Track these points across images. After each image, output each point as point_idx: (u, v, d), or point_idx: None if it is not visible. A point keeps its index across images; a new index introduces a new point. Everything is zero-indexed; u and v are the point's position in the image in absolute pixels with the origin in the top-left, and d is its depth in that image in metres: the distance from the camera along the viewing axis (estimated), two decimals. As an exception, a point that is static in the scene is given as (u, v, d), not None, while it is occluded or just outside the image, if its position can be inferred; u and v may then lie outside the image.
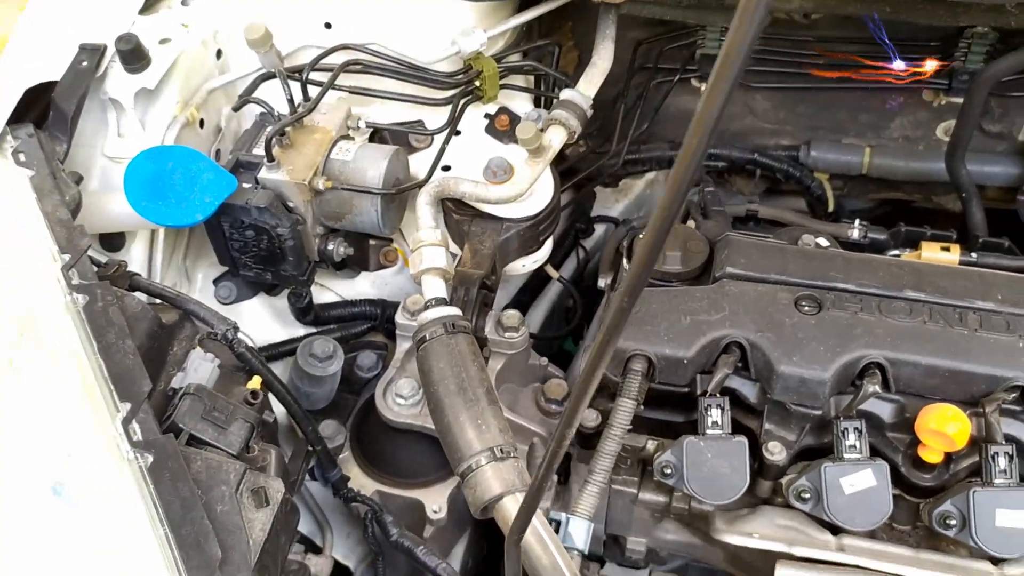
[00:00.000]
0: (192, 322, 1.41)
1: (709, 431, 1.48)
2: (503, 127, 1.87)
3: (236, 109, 1.70)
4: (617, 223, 2.33)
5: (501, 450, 1.35)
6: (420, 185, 1.68)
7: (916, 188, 2.45)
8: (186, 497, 1.13)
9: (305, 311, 1.79)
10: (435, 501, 1.66)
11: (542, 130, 1.71)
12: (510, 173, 1.81)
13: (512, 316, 1.70)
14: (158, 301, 1.42)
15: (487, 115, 1.87)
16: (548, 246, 1.93)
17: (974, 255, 1.84)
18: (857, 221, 1.98)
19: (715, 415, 1.48)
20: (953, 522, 1.41)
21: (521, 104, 1.91)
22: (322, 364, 1.68)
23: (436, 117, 1.84)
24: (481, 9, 1.79)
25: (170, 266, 1.76)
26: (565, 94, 1.73)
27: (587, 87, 1.78)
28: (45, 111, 1.55)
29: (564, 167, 2.33)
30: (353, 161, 1.67)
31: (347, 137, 1.72)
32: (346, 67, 1.70)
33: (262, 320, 1.85)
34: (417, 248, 1.56)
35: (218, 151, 1.83)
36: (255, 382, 1.34)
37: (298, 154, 1.64)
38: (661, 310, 1.55)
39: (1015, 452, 1.40)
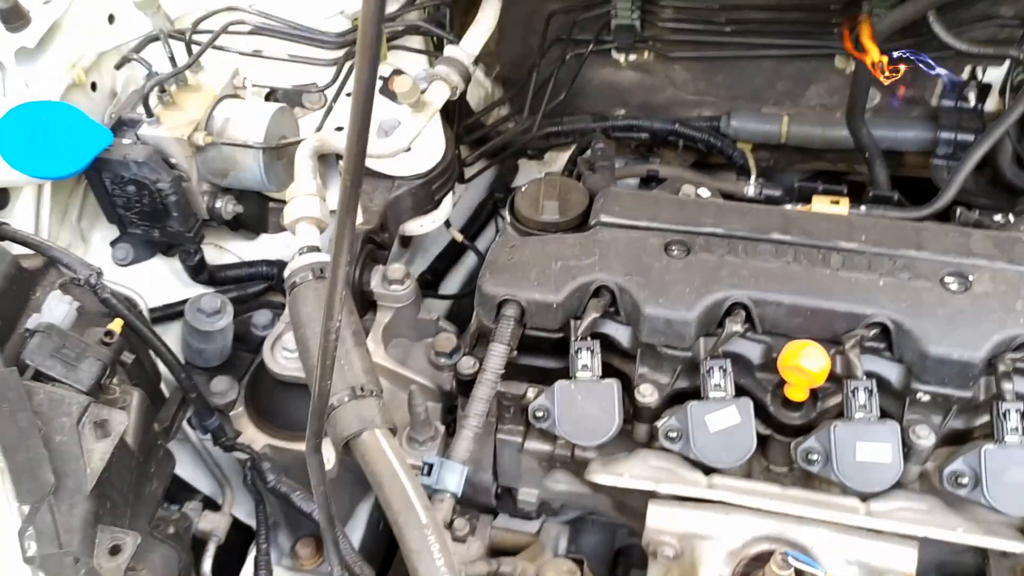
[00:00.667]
0: (58, 269, 1.42)
1: (579, 374, 1.49)
2: (394, 88, 1.88)
3: (118, 67, 1.72)
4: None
5: (362, 388, 1.36)
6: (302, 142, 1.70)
7: (839, 157, 2.46)
8: (23, 427, 1.15)
9: (197, 269, 1.80)
10: (325, 453, 1.67)
11: (425, 89, 1.73)
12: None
13: (397, 269, 1.71)
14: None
15: (380, 77, 1.89)
16: (447, 205, 1.94)
17: (863, 208, 1.86)
18: (753, 177, 1.99)
19: (585, 358, 1.50)
20: (815, 457, 1.42)
21: (416, 66, 1.93)
22: (210, 319, 1.69)
23: (328, 79, 1.87)
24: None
25: (63, 227, 1.77)
26: (448, 51, 1.75)
27: (470, 44, 1.80)
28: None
29: (478, 135, 2.35)
30: (235, 118, 1.68)
31: (235, 97, 1.74)
32: (229, 27, 1.72)
33: (161, 281, 1.86)
34: (292, 199, 1.58)
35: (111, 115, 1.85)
36: (115, 324, 1.35)
37: (181, 112, 1.66)
38: (533, 256, 1.57)
39: (875, 387, 1.42)
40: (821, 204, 1.85)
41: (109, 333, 1.33)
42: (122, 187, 1.64)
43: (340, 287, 0.84)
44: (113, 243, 1.85)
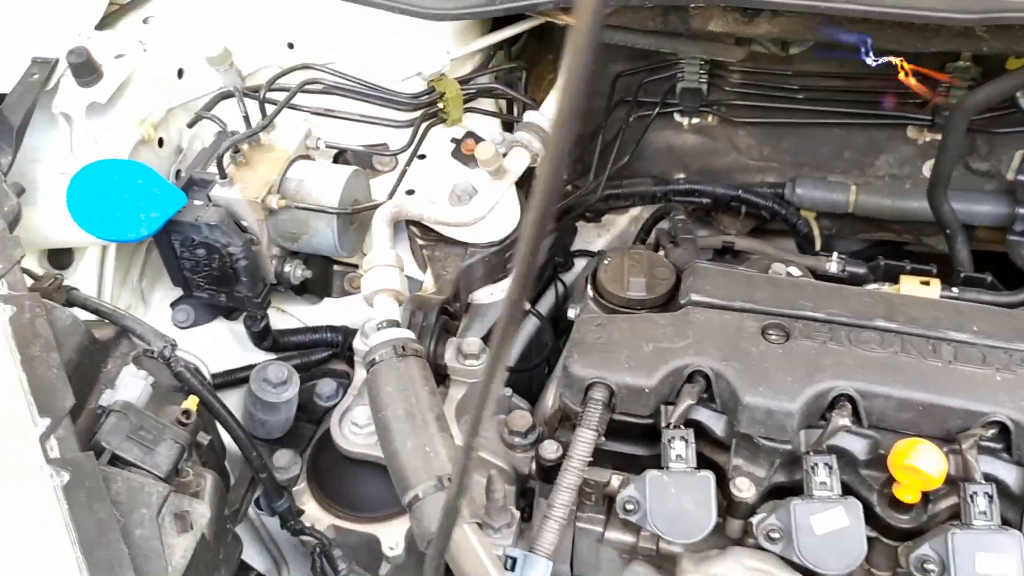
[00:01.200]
0: (130, 339, 1.35)
1: (673, 465, 1.41)
2: (469, 151, 1.82)
3: (190, 125, 1.66)
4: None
5: (449, 478, 1.28)
6: (379, 207, 1.63)
7: (905, 228, 2.39)
8: (102, 519, 1.06)
9: (262, 335, 1.72)
10: (392, 537, 1.58)
11: (504, 153, 1.66)
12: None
13: (473, 344, 1.63)
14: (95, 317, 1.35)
15: (454, 139, 1.83)
16: (516, 274, 1.87)
17: (955, 290, 1.78)
18: (835, 254, 1.92)
19: (679, 448, 1.41)
20: (932, 567, 1.32)
21: (490, 129, 1.86)
22: (276, 390, 1.61)
23: (401, 140, 1.81)
24: (448, 30, 1.76)
25: (124, 287, 1.70)
26: (528, 116, 1.69)
27: (550, 108, 1.73)
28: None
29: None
30: (309, 180, 1.62)
31: (306, 157, 1.67)
32: (305, 86, 1.66)
33: (221, 346, 1.78)
34: (370, 269, 1.50)
35: (178, 171, 1.79)
36: (190, 402, 1.27)
37: (253, 172, 1.59)
38: (622, 337, 1.49)
39: (995, 492, 1.33)
40: (910, 285, 1.77)
41: (186, 413, 1.24)
42: (191, 250, 1.56)
43: (494, 387, 0.76)
44: (173, 304, 1.78)
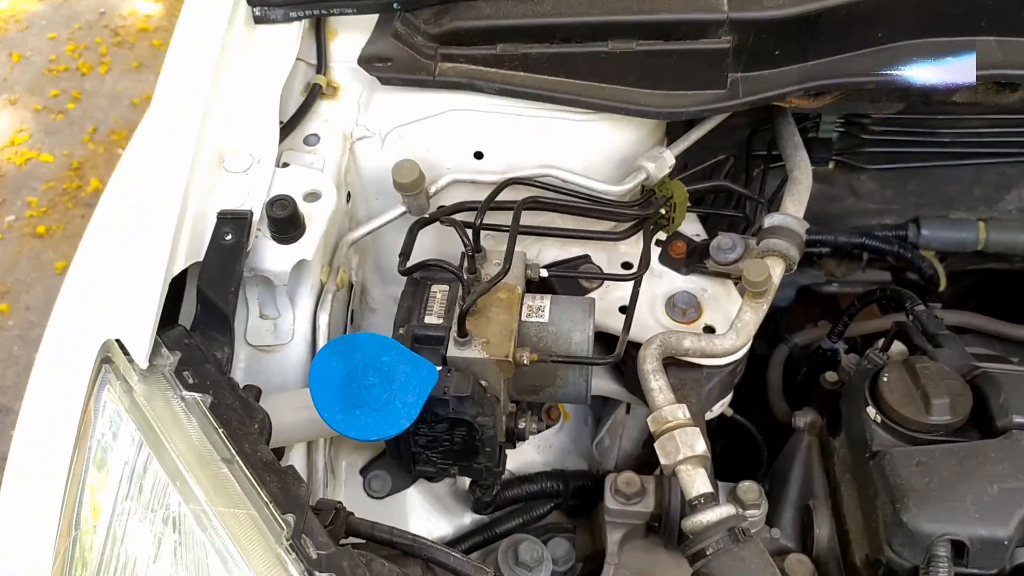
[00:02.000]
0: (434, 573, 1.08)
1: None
2: (678, 254, 1.60)
3: (406, 273, 1.37)
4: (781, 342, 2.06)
5: None
6: (636, 345, 1.39)
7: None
8: None
9: (489, 502, 1.47)
10: None
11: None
12: (699, 311, 1.54)
13: (751, 489, 1.42)
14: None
15: (658, 242, 1.60)
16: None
17: None
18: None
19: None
20: None
21: (689, 226, 1.64)
22: (532, 573, 1.36)
23: (598, 252, 1.57)
24: (645, 125, 1.53)
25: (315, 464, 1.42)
26: (775, 219, 1.47)
27: (796, 207, 1.52)
28: (176, 301, 1.22)
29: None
30: (551, 324, 1.37)
31: (532, 291, 1.42)
32: (527, 206, 1.41)
33: (420, 511, 1.53)
34: (664, 431, 1.26)
35: (352, 312, 1.51)
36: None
37: (487, 321, 1.33)
38: (955, 477, 1.30)
39: None
40: None
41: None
42: (431, 425, 1.30)
43: None
44: (364, 471, 1.50)
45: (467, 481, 1.53)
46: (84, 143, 4.27)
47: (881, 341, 1.69)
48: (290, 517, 0.96)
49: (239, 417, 1.06)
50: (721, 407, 1.65)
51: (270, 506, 0.97)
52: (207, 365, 1.10)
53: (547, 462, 1.64)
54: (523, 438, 1.42)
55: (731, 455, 1.86)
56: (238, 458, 1.01)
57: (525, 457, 1.63)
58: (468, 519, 1.56)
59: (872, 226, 2.30)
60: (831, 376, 1.69)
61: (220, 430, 1.03)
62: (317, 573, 0.93)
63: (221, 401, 1.07)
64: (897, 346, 1.67)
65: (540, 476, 1.57)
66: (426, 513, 1.53)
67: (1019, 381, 1.41)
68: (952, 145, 2.16)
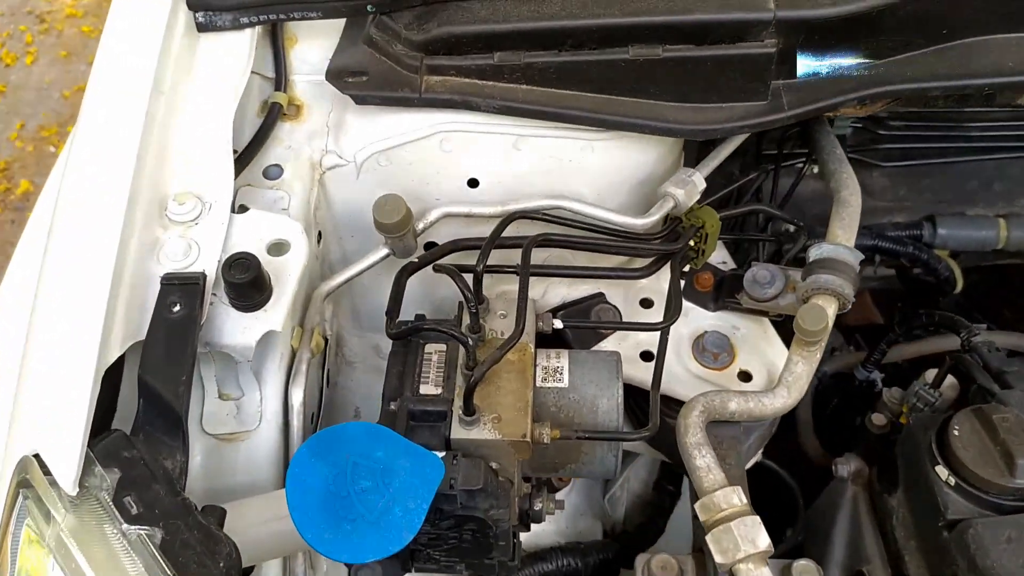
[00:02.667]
0: None
1: None
2: (705, 288, 1.38)
3: (397, 338, 1.13)
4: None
5: None
6: (671, 415, 1.17)
7: (1043, 258, 2.13)
8: None
9: (503, 599, 1.25)
10: None
11: (804, 301, 1.24)
12: (732, 355, 1.34)
13: (807, 570, 1.21)
14: None
15: (681, 273, 1.37)
16: (766, 432, 1.46)
17: None
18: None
19: None
20: None
21: (714, 253, 1.42)
22: None
23: (612, 288, 1.35)
24: (663, 143, 1.30)
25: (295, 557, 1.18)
26: (825, 250, 1.26)
27: (846, 235, 1.31)
28: (114, 392, 0.97)
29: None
30: (572, 389, 1.15)
31: (547, 346, 1.19)
32: (539, 243, 1.18)
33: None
34: (718, 520, 1.05)
35: (327, 372, 1.27)
36: None
37: (496, 390, 1.10)
38: (1059, 555, 1.11)
39: None
40: None
41: None
42: (433, 523, 1.07)
43: None
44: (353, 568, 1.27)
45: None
46: (11, 141, 3.93)
47: (929, 373, 1.50)
48: None
49: (198, 557, 0.82)
50: (755, 460, 1.45)
51: None
52: (155, 485, 0.86)
53: (559, 530, 1.43)
54: (539, 520, 1.20)
55: (760, 502, 1.65)
56: (200, 620, 0.77)
57: (534, 525, 1.41)
58: (473, 607, 1.34)
59: (884, 225, 2.12)
60: (878, 419, 1.49)
61: (174, 577, 0.79)
62: None
63: (175, 536, 0.83)
64: (948, 379, 1.48)
65: (555, 553, 1.37)
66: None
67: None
68: (975, 140, 1.98)
